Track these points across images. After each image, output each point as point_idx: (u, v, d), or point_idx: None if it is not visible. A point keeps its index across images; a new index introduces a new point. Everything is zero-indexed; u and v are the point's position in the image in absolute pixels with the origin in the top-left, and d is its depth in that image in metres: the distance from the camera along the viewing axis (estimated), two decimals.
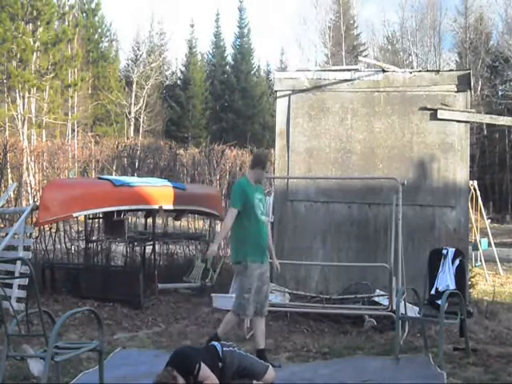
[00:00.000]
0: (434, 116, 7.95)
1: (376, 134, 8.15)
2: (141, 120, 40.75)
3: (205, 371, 4.46)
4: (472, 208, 12.22)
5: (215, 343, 4.91)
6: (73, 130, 35.26)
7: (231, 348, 4.83)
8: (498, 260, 12.83)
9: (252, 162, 6.12)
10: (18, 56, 29.11)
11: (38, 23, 29.91)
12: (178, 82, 48.36)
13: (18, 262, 7.53)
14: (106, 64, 41.99)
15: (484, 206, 14.02)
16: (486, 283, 11.11)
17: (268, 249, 5.90)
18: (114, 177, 10.17)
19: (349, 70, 8.44)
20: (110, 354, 5.86)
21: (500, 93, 39.41)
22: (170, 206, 9.18)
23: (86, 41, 40.04)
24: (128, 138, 30.45)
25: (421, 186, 7.99)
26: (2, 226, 9.90)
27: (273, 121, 14.81)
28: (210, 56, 50.11)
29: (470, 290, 8.44)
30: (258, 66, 51.76)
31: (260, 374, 4.81)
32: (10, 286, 7.44)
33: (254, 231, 5.71)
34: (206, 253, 5.97)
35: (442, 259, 6.45)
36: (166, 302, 8.61)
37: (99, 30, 43.88)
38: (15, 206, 10.90)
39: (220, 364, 4.62)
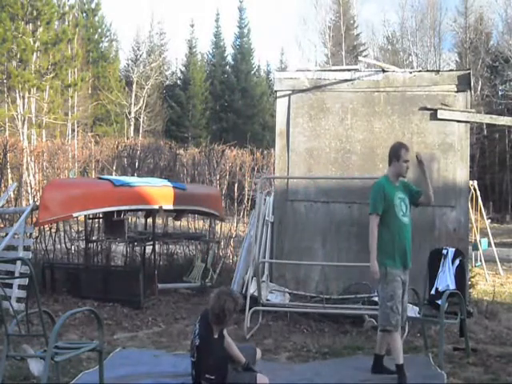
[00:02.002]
0: (434, 116, 7.95)
1: (376, 134, 8.15)
2: (141, 120, 40.77)
3: None
4: (472, 208, 12.22)
5: None
6: (73, 130, 35.30)
7: None
8: (498, 260, 12.84)
9: (388, 158, 5.46)
10: (18, 56, 29.14)
11: (38, 23, 29.95)
12: (178, 82, 48.42)
13: (18, 262, 7.54)
14: (106, 64, 42.05)
15: (484, 206, 14.02)
16: (486, 283, 11.11)
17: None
18: (114, 177, 10.16)
19: (349, 70, 8.43)
20: (110, 353, 5.86)
21: (500, 93, 39.41)
22: (170, 206, 9.18)
23: (86, 41, 40.12)
24: (128, 138, 30.45)
25: (421, 186, 7.96)
26: (2, 226, 9.90)
27: (273, 121, 14.82)
28: (210, 56, 50.18)
29: (470, 290, 8.44)
30: (258, 66, 51.96)
31: (254, 357, 4.95)
32: (10, 285, 7.45)
33: (395, 234, 5.24)
34: (372, 274, 5.20)
35: (442, 259, 6.45)
36: (166, 302, 8.62)
37: (99, 30, 43.96)
38: (15, 206, 10.90)
39: None
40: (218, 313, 4.42)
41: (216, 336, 4.51)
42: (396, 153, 5.33)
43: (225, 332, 4.66)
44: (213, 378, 4.38)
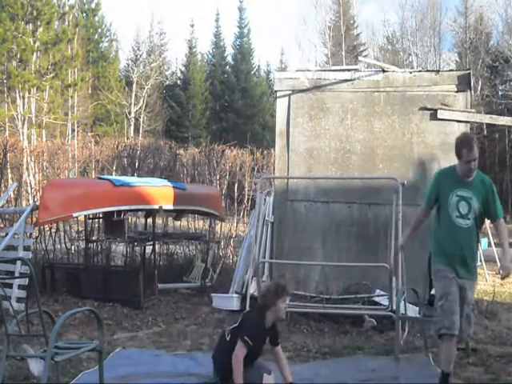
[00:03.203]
0: (434, 116, 7.95)
1: (376, 134, 8.14)
2: (141, 120, 40.77)
3: None
4: None
5: None
6: (73, 130, 35.30)
7: None
8: (498, 260, 12.82)
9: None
10: (18, 56, 29.15)
11: (38, 23, 29.96)
12: (178, 82, 48.43)
13: (18, 262, 7.54)
14: (106, 64, 42.06)
15: None
16: (486, 283, 11.11)
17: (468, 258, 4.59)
18: (114, 177, 10.17)
19: (349, 70, 8.43)
20: (110, 353, 5.86)
21: (500, 93, 39.37)
22: (170, 206, 9.19)
23: (86, 41, 40.13)
24: (128, 138, 30.46)
25: (421, 186, 7.97)
26: (2, 226, 9.90)
27: (273, 121, 14.82)
28: (210, 56, 50.18)
29: None
30: (258, 66, 51.97)
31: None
32: (10, 285, 7.44)
33: (443, 236, 4.63)
34: (399, 243, 5.02)
35: None
36: (166, 302, 8.62)
37: (99, 30, 43.97)
38: (15, 206, 10.90)
39: None
40: (261, 295, 5.02)
41: (267, 326, 4.71)
42: (457, 150, 4.53)
43: (279, 347, 4.86)
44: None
